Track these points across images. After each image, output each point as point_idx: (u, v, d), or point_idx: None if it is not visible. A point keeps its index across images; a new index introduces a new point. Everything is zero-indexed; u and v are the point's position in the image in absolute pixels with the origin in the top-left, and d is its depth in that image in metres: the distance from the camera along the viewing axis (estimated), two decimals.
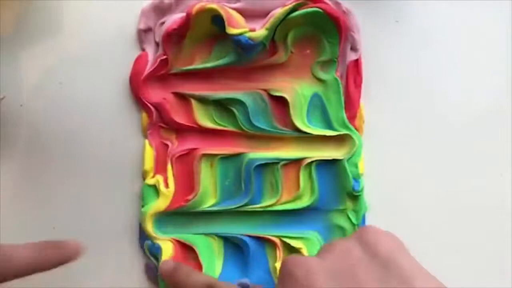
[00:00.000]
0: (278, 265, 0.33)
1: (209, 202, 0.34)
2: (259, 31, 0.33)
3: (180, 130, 0.34)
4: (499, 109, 0.35)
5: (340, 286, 0.20)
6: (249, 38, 0.32)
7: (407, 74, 0.35)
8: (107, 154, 0.34)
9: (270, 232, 0.34)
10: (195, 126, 0.34)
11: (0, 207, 0.34)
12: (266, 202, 0.34)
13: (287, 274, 0.22)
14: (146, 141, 0.34)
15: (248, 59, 0.34)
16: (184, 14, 0.33)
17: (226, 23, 0.32)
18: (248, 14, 0.34)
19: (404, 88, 0.35)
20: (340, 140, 0.34)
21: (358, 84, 0.34)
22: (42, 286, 0.34)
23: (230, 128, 0.34)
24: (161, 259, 0.33)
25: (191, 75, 0.34)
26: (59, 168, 0.34)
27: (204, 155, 0.34)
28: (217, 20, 0.33)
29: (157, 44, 0.34)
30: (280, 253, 0.33)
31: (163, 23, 0.34)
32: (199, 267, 0.34)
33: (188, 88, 0.34)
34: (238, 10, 0.34)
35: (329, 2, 0.33)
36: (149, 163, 0.34)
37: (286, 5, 0.33)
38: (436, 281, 0.20)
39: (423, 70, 0.35)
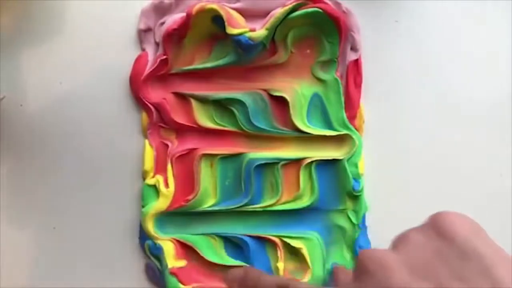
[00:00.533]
0: (280, 265, 0.33)
1: (209, 202, 0.34)
2: (259, 31, 0.33)
3: (180, 130, 0.34)
4: (499, 109, 0.35)
5: (417, 281, 0.19)
6: (249, 38, 0.32)
7: (407, 74, 0.35)
8: (107, 154, 0.34)
9: (270, 232, 0.34)
10: (195, 126, 0.34)
11: (0, 207, 0.34)
12: (266, 202, 0.34)
13: (362, 270, 0.21)
14: (146, 141, 0.34)
15: (248, 59, 0.34)
16: (184, 14, 0.33)
17: (226, 23, 0.32)
18: (248, 14, 0.34)
19: (404, 88, 0.35)
20: (340, 140, 0.34)
21: (358, 84, 0.34)
22: (43, 286, 0.34)
23: (230, 128, 0.34)
24: (163, 259, 0.33)
25: (191, 75, 0.34)
26: (59, 168, 0.34)
27: (204, 155, 0.34)
28: (217, 20, 0.33)
29: (157, 44, 0.34)
30: (281, 253, 0.33)
31: (163, 23, 0.34)
32: (200, 267, 0.34)
33: (188, 88, 0.34)
34: (238, 10, 0.34)
35: (329, 2, 0.33)
36: (149, 163, 0.34)
37: (286, 5, 0.33)
38: None
39: (423, 70, 0.35)
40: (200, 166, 0.34)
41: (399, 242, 0.22)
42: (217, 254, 0.34)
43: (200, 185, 0.34)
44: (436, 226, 0.21)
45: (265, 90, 0.34)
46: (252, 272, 0.27)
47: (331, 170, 0.34)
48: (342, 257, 0.33)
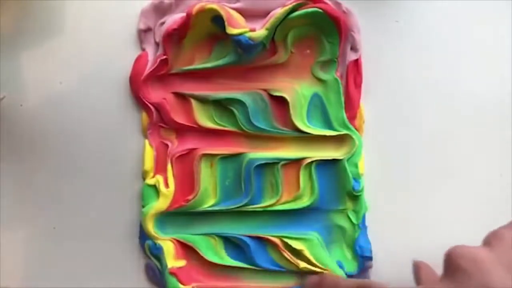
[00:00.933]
0: (302, 263, 0.33)
1: (209, 202, 0.34)
2: (259, 31, 0.33)
3: (180, 130, 0.34)
4: (499, 109, 0.35)
5: None
6: (249, 38, 0.32)
7: (407, 74, 0.35)
8: (107, 154, 0.34)
9: (270, 233, 0.34)
10: (195, 126, 0.34)
11: (0, 207, 0.34)
12: (266, 202, 0.34)
13: (453, 268, 0.20)
14: (146, 141, 0.34)
15: (248, 59, 0.34)
16: (184, 14, 0.33)
17: (226, 23, 0.32)
18: (248, 14, 0.34)
19: (404, 88, 0.35)
20: (340, 140, 0.34)
21: (358, 84, 0.34)
22: (42, 286, 0.34)
23: (230, 128, 0.34)
24: (163, 259, 0.33)
25: (191, 75, 0.34)
26: (59, 168, 0.34)
27: (204, 155, 0.34)
28: (217, 20, 0.33)
29: (157, 44, 0.34)
30: (287, 254, 0.33)
31: (163, 23, 0.34)
32: (200, 267, 0.34)
33: (188, 88, 0.34)
34: (238, 10, 0.34)
35: (329, 2, 0.33)
36: (149, 163, 0.34)
37: (286, 5, 0.33)
38: None
39: (423, 70, 0.35)
40: (200, 166, 0.34)
41: (492, 239, 0.21)
42: (217, 254, 0.34)
43: (200, 185, 0.34)
44: None
45: (265, 90, 0.34)
46: (329, 277, 0.27)
47: (331, 170, 0.34)
48: (344, 256, 0.33)
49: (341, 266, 0.33)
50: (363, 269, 0.33)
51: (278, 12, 0.33)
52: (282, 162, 0.34)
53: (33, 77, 0.35)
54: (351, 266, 0.33)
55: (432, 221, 0.34)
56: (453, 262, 0.20)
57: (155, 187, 0.34)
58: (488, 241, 0.21)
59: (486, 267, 0.19)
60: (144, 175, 0.34)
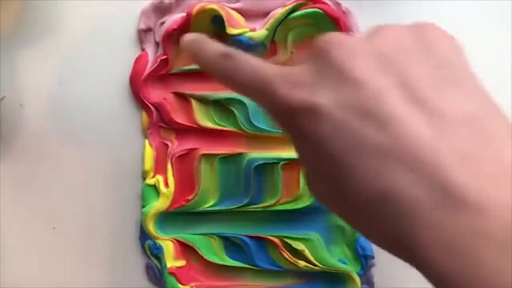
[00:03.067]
0: (301, 263, 0.33)
1: (209, 202, 0.34)
2: (259, 31, 0.33)
3: (180, 130, 0.34)
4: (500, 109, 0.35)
5: (382, 71, 0.17)
6: (249, 38, 0.32)
7: None
8: (107, 154, 0.34)
9: (270, 233, 0.34)
10: (195, 126, 0.34)
11: (0, 207, 0.34)
12: (266, 202, 0.34)
13: (317, 54, 0.18)
14: (146, 141, 0.34)
15: None
16: (184, 14, 0.33)
17: (226, 23, 0.32)
18: (248, 14, 0.34)
19: None
20: None
21: None
22: (43, 286, 0.34)
23: (230, 128, 0.34)
24: (163, 259, 0.33)
25: (191, 75, 0.34)
26: (59, 168, 0.34)
27: (204, 155, 0.34)
28: (217, 20, 0.33)
29: (157, 44, 0.34)
30: (287, 255, 0.33)
31: (163, 23, 0.34)
32: (200, 267, 0.34)
33: (188, 88, 0.34)
34: (238, 10, 0.34)
35: (329, 2, 0.33)
36: (149, 163, 0.34)
37: (286, 5, 0.33)
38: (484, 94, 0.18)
39: None
40: (200, 166, 0.34)
41: (374, 32, 0.19)
42: (217, 254, 0.34)
43: (200, 185, 0.34)
44: (420, 35, 0.19)
45: None
46: (201, 38, 0.24)
47: None
48: (345, 255, 0.33)
49: (343, 264, 0.33)
50: (367, 268, 0.33)
51: (278, 12, 0.33)
52: (282, 162, 0.34)
53: (33, 77, 0.35)
54: (354, 266, 0.33)
55: None
56: (319, 48, 0.18)
57: (155, 187, 0.34)
58: (367, 34, 0.19)
59: (354, 55, 0.17)
60: (144, 175, 0.34)
